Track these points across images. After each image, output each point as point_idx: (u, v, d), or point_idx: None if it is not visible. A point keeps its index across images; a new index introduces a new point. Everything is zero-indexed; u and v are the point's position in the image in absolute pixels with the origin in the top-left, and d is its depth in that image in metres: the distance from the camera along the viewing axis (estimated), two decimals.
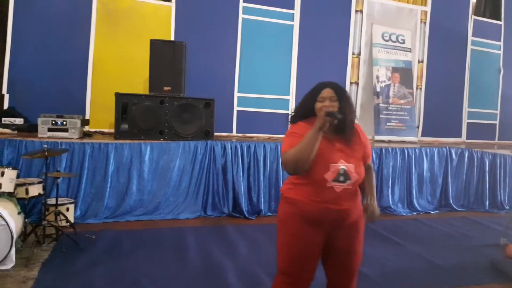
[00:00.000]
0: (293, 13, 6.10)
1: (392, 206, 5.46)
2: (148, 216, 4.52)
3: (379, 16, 6.64)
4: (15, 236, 3.12)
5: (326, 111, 1.88)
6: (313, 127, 1.89)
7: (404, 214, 5.41)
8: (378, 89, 6.53)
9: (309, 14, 6.12)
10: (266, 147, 5.05)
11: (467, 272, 3.52)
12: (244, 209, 4.85)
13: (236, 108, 5.86)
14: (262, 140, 5.40)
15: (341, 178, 1.94)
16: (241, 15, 5.88)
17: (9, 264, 3.11)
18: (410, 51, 6.79)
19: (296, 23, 6.11)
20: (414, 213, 5.47)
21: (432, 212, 5.59)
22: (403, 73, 6.73)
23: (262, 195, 4.99)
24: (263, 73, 5.94)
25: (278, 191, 5.08)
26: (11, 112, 4.89)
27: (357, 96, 6.62)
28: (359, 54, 6.57)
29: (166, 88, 4.82)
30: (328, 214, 1.97)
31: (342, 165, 1.94)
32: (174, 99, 4.75)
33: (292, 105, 6.07)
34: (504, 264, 3.57)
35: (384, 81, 6.61)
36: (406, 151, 5.58)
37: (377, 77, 6.54)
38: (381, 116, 6.47)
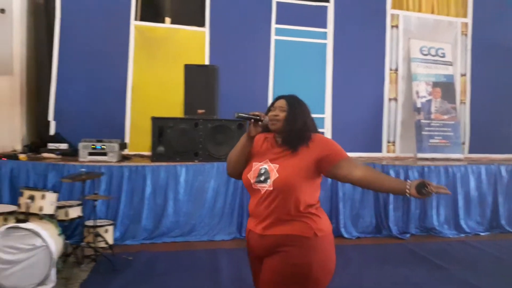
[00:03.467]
0: (326, 32, 6.07)
1: (437, 228, 5.16)
2: (184, 238, 4.55)
3: (416, 30, 6.46)
4: (55, 256, 3.23)
5: (237, 113, 1.90)
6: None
7: (451, 236, 5.08)
8: (418, 105, 6.29)
9: (342, 32, 6.06)
10: None
11: None
12: None
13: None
14: None
15: (262, 178, 1.85)
16: (273, 37, 5.93)
17: (50, 284, 3.22)
18: (451, 65, 6.53)
19: (329, 42, 6.07)
20: (462, 235, 5.13)
21: (482, 233, 5.22)
22: (445, 87, 6.46)
23: None
24: (297, 93, 5.84)
25: None
26: (56, 138, 5.16)
27: (396, 112, 6.41)
28: (396, 69, 6.40)
29: (200, 111, 4.90)
30: (253, 239, 1.90)
31: (265, 165, 1.87)
32: (208, 121, 4.82)
33: (328, 124, 5.97)
34: None
35: (425, 96, 6.36)
36: (450, 169, 5.29)
37: (417, 93, 6.31)
38: (423, 132, 6.21)
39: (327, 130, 5.97)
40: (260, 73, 5.83)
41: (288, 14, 5.95)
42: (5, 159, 4.36)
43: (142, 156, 5.32)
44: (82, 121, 5.30)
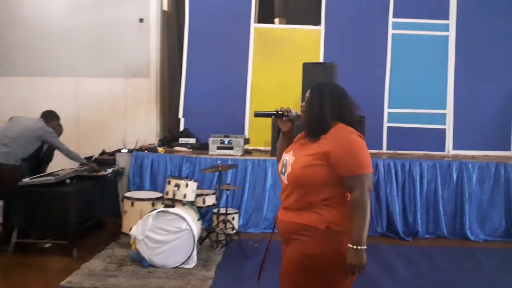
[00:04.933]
0: (448, 23, 5.73)
1: None
2: None
3: None
4: (196, 239, 3.61)
5: (255, 111, 2.04)
6: None
7: None
8: None
9: (467, 23, 5.67)
10: (422, 165, 4.81)
11: None
12: (399, 229, 4.67)
13: (386, 124, 5.73)
14: (417, 157, 5.14)
15: (283, 169, 1.86)
16: (390, 31, 5.78)
17: (192, 264, 3.61)
18: None
19: (452, 33, 5.72)
20: None
21: None
22: None
23: (419, 216, 4.74)
24: (416, 87, 5.69)
25: (437, 212, 4.79)
26: (185, 133, 5.69)
27: None
28: None
29: None
30: (278, 225, 1.90)
31: (287, 156, 1.86)
32: None
33: (450, 120, 5.65)
34: None
35: None
36: None
37: None
38: None
39: (448, 127, 5.64)
40: (376, 69, 5.73)
41: (406, 7, 5.74)
42: (147, 151, 4.96)
43: (260, 151, 5.61)
44: (206, 118, 5.76)
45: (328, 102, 1.82)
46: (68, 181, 4.04)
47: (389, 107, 5.74)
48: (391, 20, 5.78)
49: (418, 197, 4.76)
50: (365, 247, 1.69)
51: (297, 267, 1.78)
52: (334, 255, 1.72)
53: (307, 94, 1.88)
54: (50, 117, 4.23)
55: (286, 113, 1.95)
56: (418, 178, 4.78)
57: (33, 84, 5.79)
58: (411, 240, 4.62)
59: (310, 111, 1.83)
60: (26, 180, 3.88)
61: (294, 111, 1.96)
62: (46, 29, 5.79)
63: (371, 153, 5.68)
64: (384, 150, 5.66)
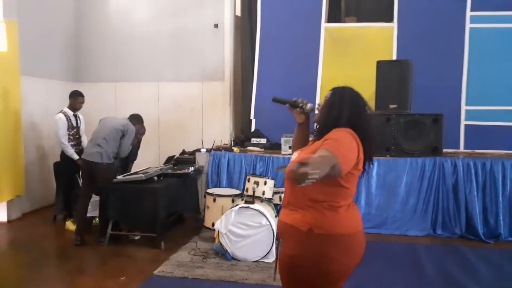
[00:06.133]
0: None
1: None
2: (376, 230, 4.70)
3: None
4: (275, 234, 3.77)
5: (274, 97, 2.07)
6: None
7: None
8: None
9: None
10: (505, 165, 4.59)
11: None
12: (479, 231, 4.51)
13: (463, 122, 5.51)
14: (498, 156, 4.91)
15: None
16: (468, 25, 5.56)
17: (271, 258, 3.78)
18: None
19: None
20: None
21: None
22: None
23: (501, 218, 4.54)
24: (496, 83, 5.42)
25: None
26: (256, 134, 5.90)
27: None
28: None
29: (392, 106, 4.96)
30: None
31: (294, 154, 1.91)
32: (400, 116, 4.85)
33: None
34: None
35: None
36: None
37: None
38: None
39: None
40: (452, 65, 5.53)
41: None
42: (224, 151, 5.22)
43: None
44: (276, 118, 5.91)
45: (347, 108, 1.80)
46: (155, 178, 4.39)
47: (467, 105, 5.52)
48: (468, 13, 5.56)
49: (500, 198, 4.56)
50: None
51: (284, 267, 1.79)
52: (313, 258, 1.69)
53: (328, 95, 1.89)
54: (136, 119, 4.61)
55: (301, 104, 2.00)
56: (500, 178, 4.57)
57: (119, 89, 6.34)
58: (493, 242, 4.44)
59: (328, 112, 1.82)
60: (120, 177, 4.29)
61: (309, 105, 2.01)
62: (130, 38, 6.30)
63: (447, 153, 5.47)
64: (462, 149, 5.45)
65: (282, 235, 1.85)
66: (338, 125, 1.76)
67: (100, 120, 4.65)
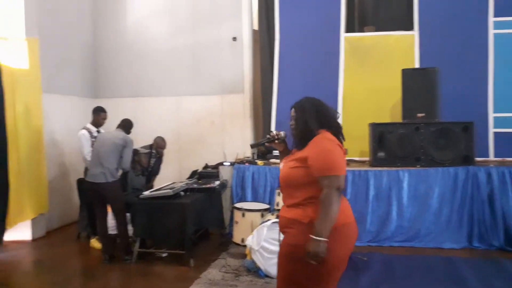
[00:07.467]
0: None
1: None
2: (409, 243, 4.55)
3: None
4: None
5: (251, 144, 2.41)
6: None
7: None
8: None
9: None
10: None
11: None
12: None
13: (492, 130, 5.38)
14: None
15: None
16: (492, 31, 5.47)
17: None
18: None
19: None
20: None
21: None
22: None
23: None
24: None
25: None
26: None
27: None
28: None
29: (419, 115, 4.85)
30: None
31: (281, 164, 2.16)
32: (429, 125, 4.73)
33: None
34: None
35: None
36: None
37: None
38: None
39: None
40: (477, 72, 5.43)
41: (508, 4, 5.42)
42: (247, 164, 5.12)
43: (356, 161, 5.54)
44: None
45: (311, 115, 2.06)
46: (182, 193, 4.30)
47: (494, 112, 5.40)
48: (491, 19, 5.48)
49: None
50: (326, 239, 1.83)
51: (285, 256, 2.01)
52: None
53: (292, 113, 2.13)
54: (127, 125, 4.44)
55: (276, 137, 2.26)
56: None
57: (138, 104, 6.29)
58: None
59: (298, 126, 2.08)
60: (147, 193, 4.19)
61: (282, 132, 2.27)
62: (148, 53, 6.28)
63: (478, 161, 5.28)
64: (491, 157, 5.30)
65: (283, 228, 2.07)
66: (311, 130, 2.03)
67: (95, 137, 4.56)
